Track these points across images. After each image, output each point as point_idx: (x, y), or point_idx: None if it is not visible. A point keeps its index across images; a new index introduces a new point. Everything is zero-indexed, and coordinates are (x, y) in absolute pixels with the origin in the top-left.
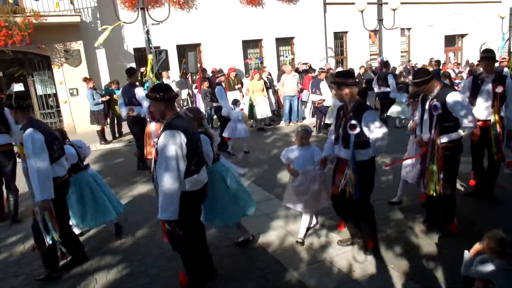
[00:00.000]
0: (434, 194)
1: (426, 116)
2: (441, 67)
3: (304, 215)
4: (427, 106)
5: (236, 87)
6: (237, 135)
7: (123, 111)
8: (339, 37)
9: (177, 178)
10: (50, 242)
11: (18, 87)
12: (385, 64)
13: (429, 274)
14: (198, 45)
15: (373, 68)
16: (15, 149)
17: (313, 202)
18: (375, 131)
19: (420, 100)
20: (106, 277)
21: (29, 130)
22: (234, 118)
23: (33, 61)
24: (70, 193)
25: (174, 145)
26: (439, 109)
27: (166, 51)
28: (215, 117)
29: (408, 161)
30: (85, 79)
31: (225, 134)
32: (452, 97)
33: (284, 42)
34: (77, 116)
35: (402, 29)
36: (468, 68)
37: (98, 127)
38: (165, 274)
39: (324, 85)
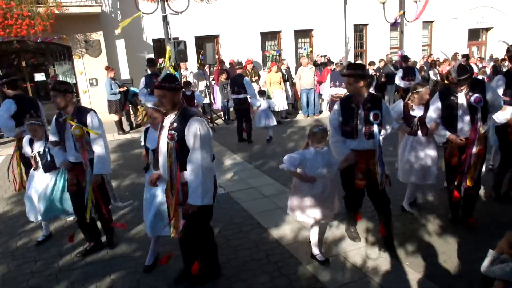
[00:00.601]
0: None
1: (460, 112)
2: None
3: (314, 227)
4: (462, 101)
5: (253, 79)
6: (271, 123)
7: (148, 100)
8: (359, 29)
9: (213, 163)
10: (93, 215)
11: (39, 76)
12: (404, 58)
13: (445, 272)
14: (216, 36)
15: (393, 61)
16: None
17: (329, 211)
18: (390, 120)
19: (441, 97)
20: (122, 266)
21: (92, 112)
22: (265, 107)
23: (55, 52)
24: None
25: (208, 131)
26: (482, 102)
27: (185, 42)
28: (231, 109)
29: (405, 163)
30: (107, 68)
31: (261, 124)
32: (492, 90)
33: (303, 34)
34: (95, 106)
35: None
36: (492, 63)
37: (116, 117)
38: (180, 266)
39: None
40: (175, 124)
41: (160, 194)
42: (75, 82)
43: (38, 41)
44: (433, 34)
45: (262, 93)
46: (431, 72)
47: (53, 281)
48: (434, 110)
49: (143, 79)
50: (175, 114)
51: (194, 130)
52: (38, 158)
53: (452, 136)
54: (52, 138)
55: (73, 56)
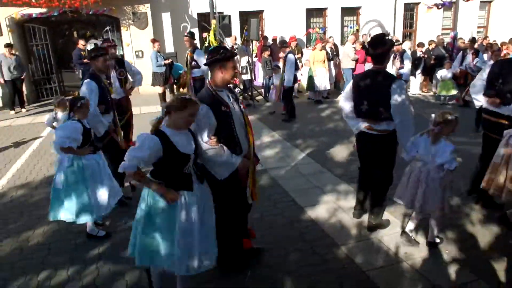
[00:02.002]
0: None
1: None
2: None
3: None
4: None
5: (296, 56)
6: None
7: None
8: (410, 8)
9: None
10: None
11: (89, 46)
12: (473, 40)
13: (485, 264)
14: (261, 12)
15: (445, 43)
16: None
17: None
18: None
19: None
20: None
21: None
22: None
23: (104, 23)
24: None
25: None
26: None
27: (229, 16)
28: (272, 86)
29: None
30: (153, 40)
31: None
32: None
33: (349, 11)
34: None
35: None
36: None
37: (160, 89)
38: None
39: (407, 56)
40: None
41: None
42: (122, 53)
43: (90, 13)
44: (491, 14)
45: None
46: (485, 56)
47: (98, 241)
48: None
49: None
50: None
51: None
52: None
53: None
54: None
55: (121, 28)
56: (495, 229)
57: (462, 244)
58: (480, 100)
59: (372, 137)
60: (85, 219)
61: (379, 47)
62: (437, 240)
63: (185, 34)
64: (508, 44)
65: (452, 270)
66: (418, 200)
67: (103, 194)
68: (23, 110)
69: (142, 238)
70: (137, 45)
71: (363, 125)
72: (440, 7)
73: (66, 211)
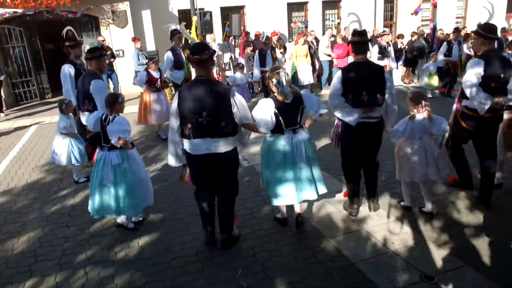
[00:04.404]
0: None
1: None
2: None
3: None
4: None
5: (279, 51)
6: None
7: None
8: (390, 0)
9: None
10: None
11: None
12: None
13: (471, 249)
14: (242, 7)
15: (425, 35)
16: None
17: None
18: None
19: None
20: (150, 233)
21: None
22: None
23: (83, 22)
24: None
25: None
26: None
27: (210, 13)
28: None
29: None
30: (134, 39)
31: None
32: None
33: (330, 5)
34: (122, 77)
35: None
36: None
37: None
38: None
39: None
40: None
41: None
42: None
43: (69, 16)
44: (468, 5)
45: (241, 67)
46: (465, 46)
47: (85, 245)
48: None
49: (169, 53)
50: None
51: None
52: None
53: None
54: None
55: (100, 27)
56: (480, 216)
57: (448, 232)
58: (487, 103)
59: (370, 125)
60: (129, 214)
61: (362, 37)
62: (434, 211)
63: (175, 32)
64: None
65: (439, 257)
66: (431, 168)
67: (144, 189)
68: (2, 115)
69: None
70: (117, 44)
71: (362, 115)
72: (417, 11)
73: (111, 207)
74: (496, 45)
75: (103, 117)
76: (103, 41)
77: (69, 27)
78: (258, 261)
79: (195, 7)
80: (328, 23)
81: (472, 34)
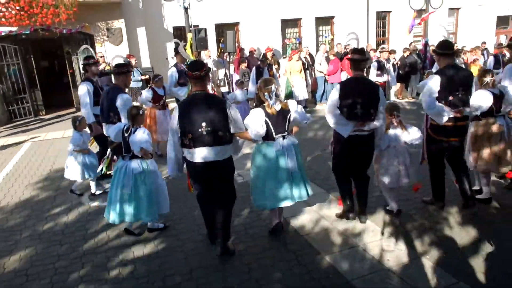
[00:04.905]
0: None
1: None
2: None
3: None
4: None
5: (274, 67)
6: None
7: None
8: (382, 17)
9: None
10: None
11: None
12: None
13: (464, 265)
14: (236, 24)
15: (417, 50)
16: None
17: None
18: None
19: None
20: (143, 251)
21: None
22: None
23: (78, 40)
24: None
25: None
26: None
27: (205, 29)
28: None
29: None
30: (129, 56)
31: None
32: None
33: (324, 21)
34: None
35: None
36: None
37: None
38: (200, 250)
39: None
40: None
41: None
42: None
43: (63, 32)
44: (459, 21)
45: (241, 84)
46: (456, 61)
47: (78, 263)
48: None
49: (174, 70)
50: None
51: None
52: None
53: None
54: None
55: (96, 44)
56: (472, 231)
57: (442, 248)
58: (444, 114)
59: (363, 138)
60: (146, 220)
61: (362, 55)
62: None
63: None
64: (476, 49)
65: (433, 274)
66: (403, 173)
67: (161, 196)
68: None
69: None
70: (113, 61)
71: (355, 128)
72: (411, 29)
73: (129, 213)
74: (483, 60)
75: (125, 128)
76: (101, 57)
77: (86, 46)
78: (253, 278)
79: (190, 24)
80: (322, 39)
81: (463, 49)
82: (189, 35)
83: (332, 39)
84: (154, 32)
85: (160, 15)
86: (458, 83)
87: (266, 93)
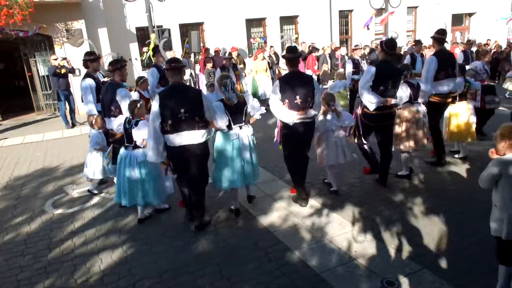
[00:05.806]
0: None
1: None
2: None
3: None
4: None
5: (239, 67)
6: None
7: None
8: (344, 15)
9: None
10: None
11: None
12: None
13: (430, 253)
14: (201, 24)
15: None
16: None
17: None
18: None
19: None
20: (111, 257)
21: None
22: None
23: (35, 42)
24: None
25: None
26: None
27: (169, 30)
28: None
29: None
30: (64, 59)
31: None
32: None
33: (288, 20)
34: (78, 96)
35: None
36: (476, 48)
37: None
38: (169, 253)
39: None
40: None
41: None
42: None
43: (20, 35)
44: (418, 19)
45: (211, 86)
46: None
47: (42, 274)
48: None
49: (155, 70)
50: None
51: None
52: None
53: None
54: None
55: (55, 46)
56: (435, 219)
57: (407, 237)
58: (374, 101)
59: (306, 124)
60: (155, 202)
61: (294, 54)
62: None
63: (158, 49)
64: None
65: (399, 262)
66: (340, 154)
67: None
68: None
69: None
70: (73, 63)
71: (298, 116)
72: (368, 27)
73: (139, 197)
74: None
75: (127, 121)
76: (64, 59)
77: (89, 40)
78: (224, 277)
79: (153, 25)
80: (286, 38)
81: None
82: (153, 36)
83: (296, 38)
84: (116, 32)
85: (122, 15)
86: (388, 77)
87: (222, 87)
